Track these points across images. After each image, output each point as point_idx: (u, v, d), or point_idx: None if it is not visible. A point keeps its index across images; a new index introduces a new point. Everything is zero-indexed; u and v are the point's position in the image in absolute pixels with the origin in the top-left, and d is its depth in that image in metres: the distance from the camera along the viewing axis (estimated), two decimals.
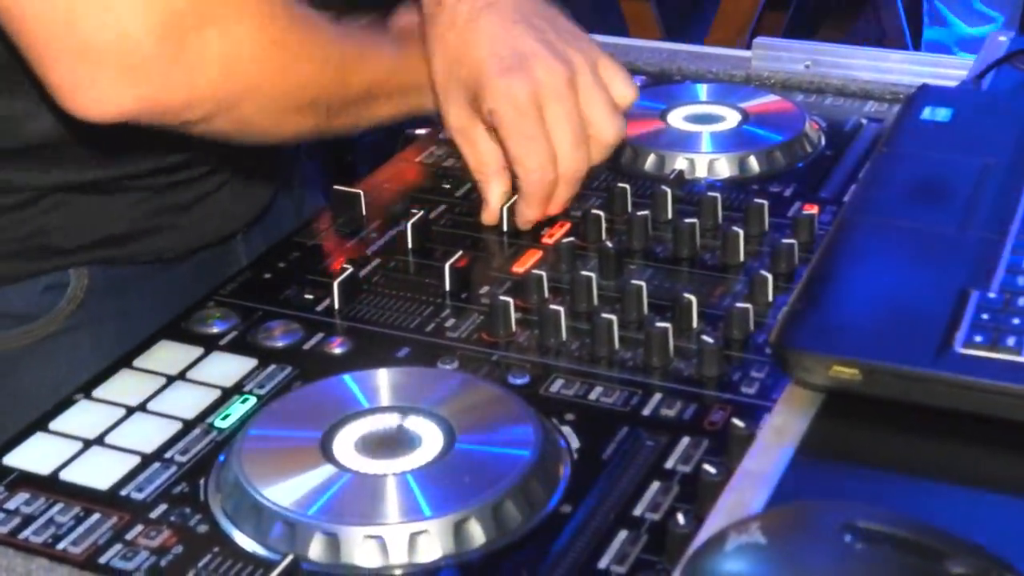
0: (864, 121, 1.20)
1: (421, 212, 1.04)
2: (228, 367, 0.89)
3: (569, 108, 1.03)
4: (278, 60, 0.97)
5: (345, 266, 0.97)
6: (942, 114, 1.04)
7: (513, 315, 0.91)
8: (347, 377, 0.84)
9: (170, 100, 0.92)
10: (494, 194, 1.05)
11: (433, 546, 0.71)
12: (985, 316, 0.76)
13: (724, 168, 1.11)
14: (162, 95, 0.91)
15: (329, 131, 1.07)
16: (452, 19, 1.07)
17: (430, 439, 0.77)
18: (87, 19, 0.87)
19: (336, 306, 0.95)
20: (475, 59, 1.05)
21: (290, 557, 0.69)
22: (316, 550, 0.71)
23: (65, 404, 0.86)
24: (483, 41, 1.05)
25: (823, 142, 1.16)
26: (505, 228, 1.04)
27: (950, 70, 1.23)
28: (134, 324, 1.05)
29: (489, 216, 1.05)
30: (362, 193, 1.08)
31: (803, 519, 0.59)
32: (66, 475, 0.79)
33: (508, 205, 1.04)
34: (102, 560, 0.72)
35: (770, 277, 0.93)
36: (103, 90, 0.89)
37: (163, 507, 0.76)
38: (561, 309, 0.90)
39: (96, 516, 0.75)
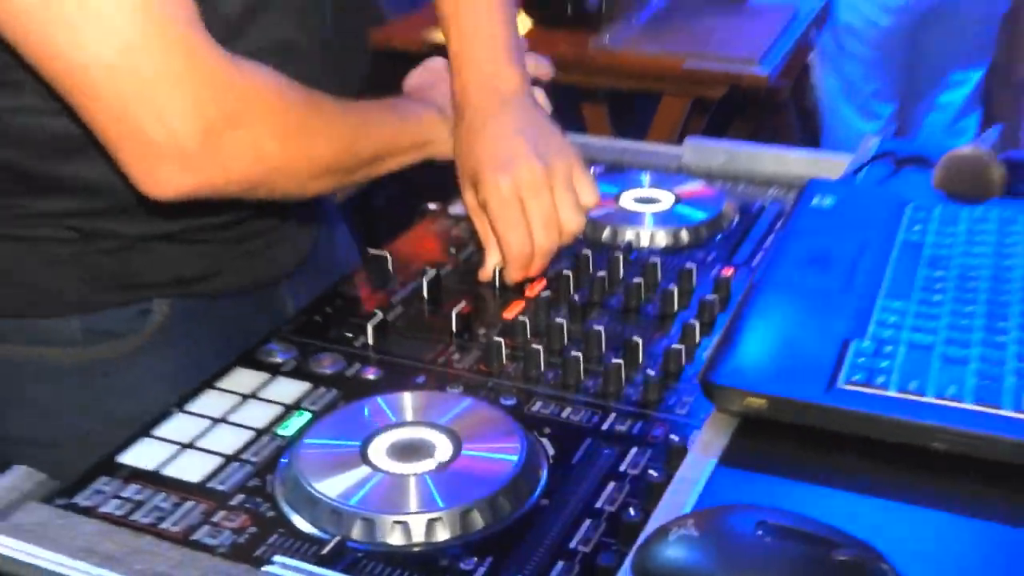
0: (768, 203, 1.21)
1: (434, 270, 1.04)
2: (288, 389, 0.90)
3: (544, 203, 1.04)
4: (297, 144, 0.98)
5: (376, 312, 0.98)
6: (827, 202, 1.06)
7: (504, 352, 0.93)
8: (379, 398, 0.85)
9: (213, 184, 0.94)
10: (489, 260, 1.06)
11: (444, 530, 0.72)
12: (861, 360, 0.78)
13: (662, 239, 1.12)
14: (207, 180, 0.93)
15: (348, 185, 1.09)
16: (469, 124, 1.09)
17: (442, 447, 0.79)
18: (147, 124, 0.88)
19: (370, 343, 0.96)
20: (477, 158, 1.06)
21: (337, 538, 0.71)
22: (357, 532, 0.72)
23: (164, 415, 0.87)
24: (486, 144, 1.07)
25: (737, 219, 1.17)
26: (497, 284, 1.05)
27: (834, 163, 1.24)
28: (202, 345, 1.08)
29: (484, 275, 1.06)
30: (388, 255, 1.09)
31: (727, 517, 0.60)
32: (166, 471, 0.80)
33: (499, 268, 1.05)
34: (194, 537, 0.73)
35: (697, 324, 0.94)
36: (161, 177, 0.91)
37: (240, 497, 0.77)
38: (540, 348, 0.92)
39: (190, 503, 0.76)
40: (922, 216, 1.01)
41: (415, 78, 1.22)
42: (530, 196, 1.04)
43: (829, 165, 1.26)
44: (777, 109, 3.01)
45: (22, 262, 1.04)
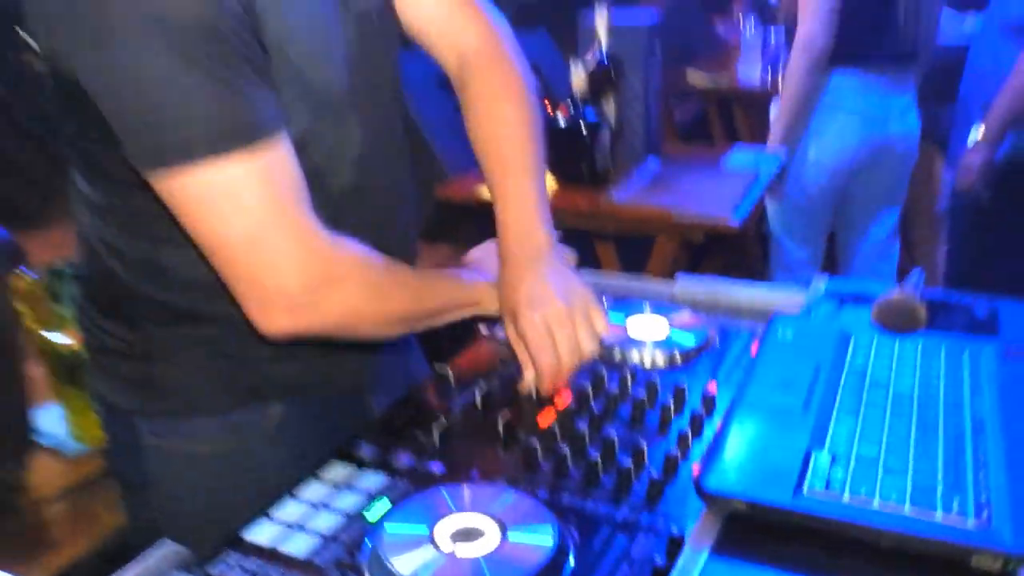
0: (743, 330, 1.19)
1: (485, 385, 1.03)
2: (372, 480, 0.88)
3: (568, 333, 1.03)
4: (377, 301, 0.99)
5: (441, 417, 0.97)
6: (788, 335, 1.04)
7: (539, 453, 0.91)
8: (443, 489, 0.83)
9: (311, 328, 0.95)
10: (527, 376, 1.05)
11: None
12: (821, 470, 0.75)
13: (661, 360, 1.10)
14: (307, 325, 0.95)
15: (414, 330, 1.09)
16: (510, 272, 1.09)
17: (491, 533, 0.76)
18: (266, 281, 0.91)
19: (436, 443, 0.94)
20: (517, 299, 1.06)
21: None
22: None
23: (279, 499, 0.85)
24: (523, 289, 1.06)
25: (718, 342, 1.16)
26: (533, 394, 1.03)
27: (792, 298, 1.23)
28: (307, 439, 1.07)
29: (523, 388, 1.05)
30: (450, 371, 1.08)
31: None
32: (280, 548, 0.78)
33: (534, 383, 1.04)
34: None
35: (689, 433, 0.92)
36: (274, 321, 0.93)
37: (335, 571, 0.75)
38: (567, 451, 0.89)
39: (295, 573, 0.74)
40: (864, 347, 1.00)
41: (475, 252, 1.24)
42: (557, 328, 1.03)
43: (788, 299, 1.24)
44: (743, 242, 3.01)
45: (181, 377, 1.04)
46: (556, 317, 1.04)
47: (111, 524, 1.47)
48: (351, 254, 0.96)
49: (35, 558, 1.40)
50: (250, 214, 0.87)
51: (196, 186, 0.85)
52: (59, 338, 1.49)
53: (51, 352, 1.51)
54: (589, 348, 1.06)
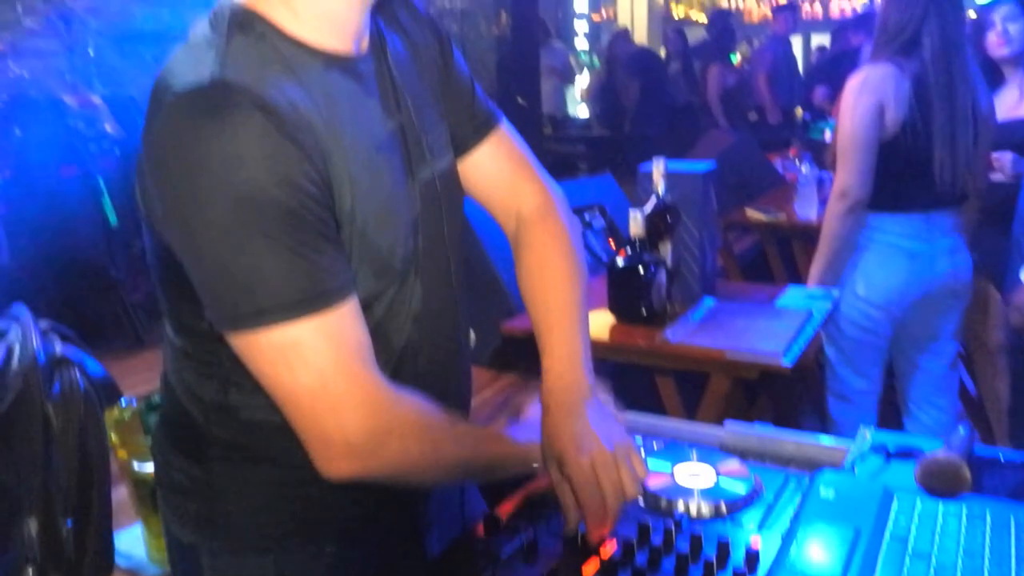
0: (789, 481, 1.19)
1: (533, 532, 1.05)
2: None
3: (612, 476, 1.06)
4: (433, 451, 1.04)
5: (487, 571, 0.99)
6: (830, 493, 1.04)
7: None
8: None
9: (369, 473, 1.00)
10: (571, 520, 1.07)
11: None
12: None
13: (706, 510, 1.12)
14: (366, 471, 1.00)
15: (467, 482, 1.15)
16: (554, 418, 1.12)
17: None
18: (330, 429, 0.96)
19: None
20: (563, 444, 1.09)
21: None
22: None
23: None
24: (569, 434, 1.09)
25: (763, 492, 1.15)
26: (578, 540, 1.05)
27: (837, 451, 1.24)
28: None
29: (568, 532, 1.06)
30: (501, 515, 1.10)
31: None
32: None
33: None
34: None
35: None
36: (334, 465, 0.98)
37: None
38: None
39: None
40: (906, 512, 1.00)
41: (531, 411, 1.26)
42: (602, 472, 1.06)
43: (833, 453, 1.25)
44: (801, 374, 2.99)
45: (241, 515, 1.09)
46: (601, 459, 1.06)
47: None
48: (411, 406, 1.01)
49: None
50: (317, 368, 0.93)
51: (267, 344, 0.92)
52: (147, 467, 1.56)
53: (137, 479, 1.57)
54: (632, 491, 1.08)
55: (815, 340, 2.33)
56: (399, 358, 1.07)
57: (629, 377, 2.63)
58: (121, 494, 1.64)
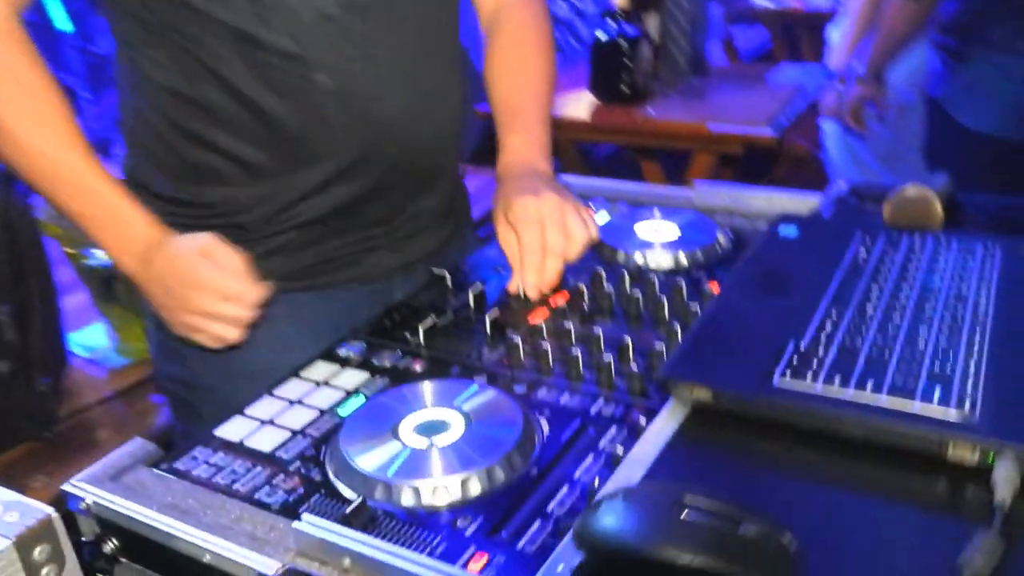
0: (754, 234, 1.12)
1: (480, 286, 0.98)
2: (353, 378, 0.85)
3: (557, 217, 0.98)
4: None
5: (430, 316, 0.93)
6: (791, 232, 0.96)
7: (522, 349, 0.86)
8: (414, 385, 0.79)
9: None
10: (515, 277, 0.99)
11: (447, 495, 0.66)
12: (794, 359, 0.69)
13: (665, 262, 1.04)
14: None
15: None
16: (508, 184, 1.04)
17: (456, 425, 0.72)
18: None
19: (421, 341, 0.90)
20: (512, 195, 1.01)
21: (359, 499, 0.65)
22: (378, 494, 0.66)
23: (257, 397, 0.82)
24: (517, 188, 1.02)
25: (728, 246, 1.08)
26: (523, 295, 0.98)
27: (809, 201, 1.14)
28: (318, 330, 0.98)
29: (511, 288, 0.99)
30: (447, 273, 1.03)
31: (651, 494, 0.52)
32: (248, 442, 0.76)
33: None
34: (256, 496, 0.69)
35: (679, 328, 0.85)
36: None
37: (297, 463, 0.72)
38: (549, 347, 0.84)
39: (259, 468, 0.72)
40: (869, 242, 0.91)
41: None
42: (549, 215, 0.98)
43: (806, 203, 1.15)
44: (798, 164, 2.87)
45: None
46: (550, 204, 0.99)
47: (153, 426, 1.49)
48: (20, 58, 0.90)
49: (83, 460, 1.43)
50: None
51: None
52: (94, 258, 1.50)
53: (89, 273, 1.51)
54: (579, 235, 1.00)
55: (809, 126, 2.17)
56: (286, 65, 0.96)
57: (615, 164, 2.52)
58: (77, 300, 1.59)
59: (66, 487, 0.69)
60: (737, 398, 0.65)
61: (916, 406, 0.63)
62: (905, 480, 0.61)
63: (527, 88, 1.15)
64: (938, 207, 0.99)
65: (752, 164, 2.66)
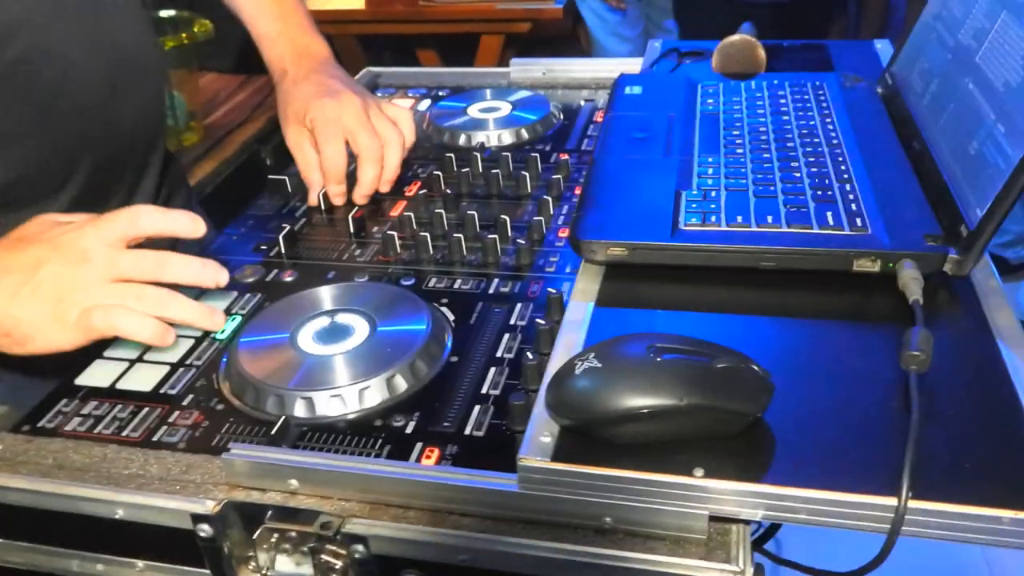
0: (582, 102, 1.12)
1: (324, 188, 0.91)
2: (219, 299, 0.76)
3: (361, 118, 0.90)
4: None
5: (284, 225, 0.85)
6: (636, 90, 0.96)
7: (397, 242, 0.81)
8: (301, 294, 0.73)
9: None
10: (313, 183, 0.92)
11: (374, 396, 0.61)
12: (693, 205, 0.69)
13: (507, 138, 1.02)
14: None
15: None
16: (292, 79, 0.95)
17: (360, 328, 0.67)
18: None
19: (283, 251, 0.83)
20: (305, 97, 0.92)
21: (283, 417, 0.59)
22: (299, 410, 0.61)
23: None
24: (310, 88, 0.93)
25: (561, 117, 1.07)
26: (323, 208, 0.90)
27: (630, 64, 1.15)
28: None
29: (310, 201, 0.91)
30: (287, 178, 0.95)
31: (621, 346, 0.51)
32: (120, 385, 0.67)
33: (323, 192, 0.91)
34: (155, 438, 0.61)
35: (549, 199, 0.84)
36: None
37: (190, 397, 0.65)
38: (427, 235, 0.81)
39: (146, 410, 0.64)
40: (712, 92, 0.93)
41: None
42: (349, 113, 0.90)
43: (627, 66, 1.16)
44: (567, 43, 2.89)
45: None
46: (351, 105, 0.90)
47: None
48: None
49: None
50: None
51: None
52: None
53: None
54: (390, 130, 0.91)
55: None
56: None
57: (389, 56, 2.42)
58: None
59: None
60: (653, 248, 0.65)
61: (816, 229, 0.65)
62: (819, 298, 0.64)
63: None
64: (762, 52, 1.03)
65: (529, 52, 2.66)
